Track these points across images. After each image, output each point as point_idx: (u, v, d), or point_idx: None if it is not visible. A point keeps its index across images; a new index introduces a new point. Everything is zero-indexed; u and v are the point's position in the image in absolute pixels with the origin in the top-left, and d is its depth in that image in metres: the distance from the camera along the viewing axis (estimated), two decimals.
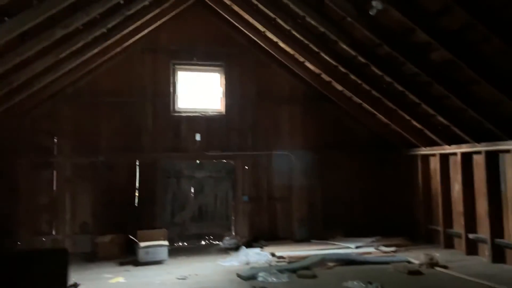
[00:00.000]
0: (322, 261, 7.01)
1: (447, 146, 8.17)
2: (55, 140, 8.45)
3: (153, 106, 8.93)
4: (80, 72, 8.10)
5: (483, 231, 7.35)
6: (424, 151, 8.91)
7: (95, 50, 7.45)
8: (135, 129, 8.82)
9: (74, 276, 5.88)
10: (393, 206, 9.69)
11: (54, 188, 8.38)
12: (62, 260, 1.91)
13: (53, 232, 8.31)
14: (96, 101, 8.66)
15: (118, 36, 7.60)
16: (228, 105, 9.31)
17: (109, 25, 6.88)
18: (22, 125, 8.27)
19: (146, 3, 7.20)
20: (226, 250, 8.36)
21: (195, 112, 9.19)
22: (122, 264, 7.37)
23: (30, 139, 8.32)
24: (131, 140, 8.77)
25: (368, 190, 9.72)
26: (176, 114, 9.06)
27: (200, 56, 9.21)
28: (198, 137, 9.05)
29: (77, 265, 7.18)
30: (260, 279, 6.14)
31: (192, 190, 9.17)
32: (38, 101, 8.12)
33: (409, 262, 7.06)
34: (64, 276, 1.88)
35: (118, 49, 8.28)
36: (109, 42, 7.51)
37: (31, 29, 5.39)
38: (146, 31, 8.35)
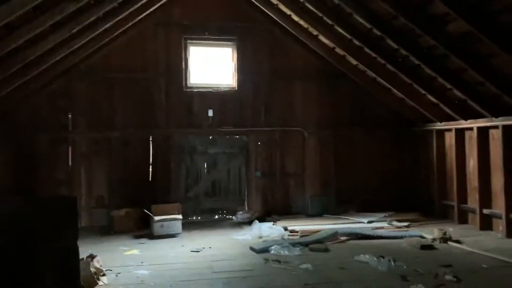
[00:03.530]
0: (334, 235, 7.05)
1: (463, 121, 8.03)
2: (70, 116, 8.54)
3: (166, 81, 8.93)
4: (92, 48, 8.10)
5: (498, 206, 7.28)
6: (440, 126, 8.78)
7: (107, 25, 7.42)
8: (149, 104, 8.85)
9: (90, 248, 6.02)
10: (408, 182, 9.64)
11: (70, 163, 8.51)
12: (71, 209, 1.93)
13: None
14: (109, 77, 8.69)
15: (130, 10, 7.53)
16: (240, 81, 9.24)
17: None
18: (38, 102, 8.37)
19: None
20: (240, 225, 8.45)
21: (208, 87, 9.16)
22: (137, 237, 7.51)
23: (46, 115, 8.43)
24: (145, 116, 8.82)
25: (383, 166, 9.66)
26: (188, 89, 9.05)
27: (212, 31, 9.11)
28: (210, 112, 9.04)
29: (93, 238, 7.39)
30: (272, 252, 6.22)
31: (206, 166, 9.22)
32: (52, 77, 8.17)
33: (422, 237, 7.05)
34: (73, 225, 1.90)
35: (130, 24, 8.24)
36: (120, 16, 7.46)
37: (44, 3, 5.39)
38: (158, 5, 8.26)
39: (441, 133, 8.90)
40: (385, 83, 8.70)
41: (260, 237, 7.22)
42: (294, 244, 6.51)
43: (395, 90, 8.80)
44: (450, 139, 8.62)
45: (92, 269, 4.91)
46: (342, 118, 9.57)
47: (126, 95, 8.76)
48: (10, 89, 7.24)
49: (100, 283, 4.94)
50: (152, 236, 7.43)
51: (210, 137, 9.23)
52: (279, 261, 5.83)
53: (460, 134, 8.29)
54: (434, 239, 6.80)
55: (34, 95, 8.27)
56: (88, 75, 8.61)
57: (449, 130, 8.57)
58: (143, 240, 7.31)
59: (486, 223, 7.58)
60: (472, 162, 7.98)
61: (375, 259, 5.69)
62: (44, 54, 6.89)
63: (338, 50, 8.67)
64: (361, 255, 5.89)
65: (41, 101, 8.40)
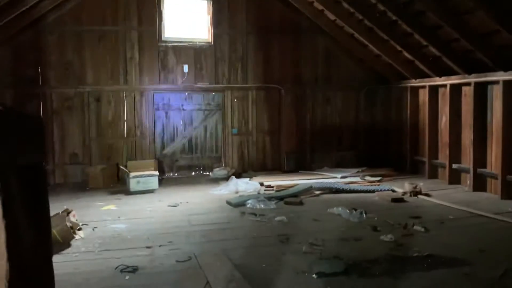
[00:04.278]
0: (309, 190, 7.21)
1: (437, 78, 8.14)
2: (39, 70, 8.24)
3: (138, 35, 8.65)
4: None
5: (467, 161, 7.54)
6: (414, 83, 8.89)
7: None
8: (121, 59, 8.59)
9: (65, 204, 5.99)
10: (381, 138, 9.84)
11: None
12: (37, 126, 1.86)
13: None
14: (80, 30, 8.35)
15: None
16: (216, 35, 9.04)
17: None
18: (5, 55, 8.00)
19: None
20: (216, 181, 8.50)
21: (183, 42, 8.93)
22: (113, 193, 7.50)
23: (14, 69, 8.09)
24: (118, 71, 8.58)
25: (357, 123, 9.81)
26: (162, 44, 8.80)
27: None
28: (185, 68, 8.87)
29: (68, 194, 7.34)
30: (249, 205, 6.33)
31: (182, 122, 9.14)
32: (20, 28, 7.78)
33: (393, 190, 7.28)
34: (40, 142, 1.82)
35: None
36: None
37: None
38: None
39: (415, 90, 9.02)
40: (362, 39, 8.67)
41: (237, 192, 7.32)
42: (269, 198, 6.63)
43: (371, 47, 8.79)
44: (423, 96, 8.75)
45: (68, 224, 4.91)
46: (318, 75, 9.56)
47: (97, 49, 8.46)
48: None
49: (76, 236, 4.96)
50: (128, 192, 7.43)
51: (186, 94, 9.10)
52: (255, 214, 5.95)
53: (433, 91, 8.42)
54: (404, 193, 7.03)
55: (0, 47, 7.90)
56: (57, 27, 8.25)
57: (423, 87, 8.69)
58: (119, 196, 7.31)
59: (455, 178, 7.86)
60: (444, 119, 8.17)
61: (347, 211, 5.86)
62: (9, 3, 6.53)
63: (316, 4, 8.52)
64: (334, 208, 6.06)
65: (8, 54, 8.03)
